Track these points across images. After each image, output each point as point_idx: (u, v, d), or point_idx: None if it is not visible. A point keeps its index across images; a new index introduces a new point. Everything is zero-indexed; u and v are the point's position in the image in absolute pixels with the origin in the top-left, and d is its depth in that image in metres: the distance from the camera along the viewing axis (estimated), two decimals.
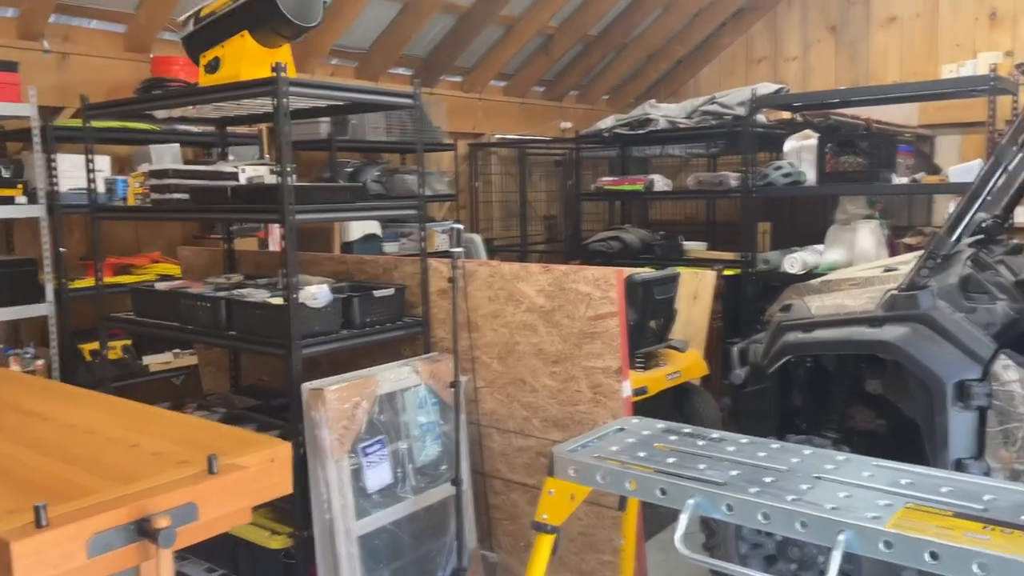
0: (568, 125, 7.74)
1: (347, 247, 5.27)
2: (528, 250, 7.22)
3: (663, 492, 1.88)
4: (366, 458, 2.80)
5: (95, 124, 3.54)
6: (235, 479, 1.78)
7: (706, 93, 6.63)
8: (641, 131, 5.90)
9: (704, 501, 1.81)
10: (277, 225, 4.59)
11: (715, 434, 2.19)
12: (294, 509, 2.80)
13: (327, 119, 5.06)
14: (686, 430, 2.24)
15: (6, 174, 3.90)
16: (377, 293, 3.14)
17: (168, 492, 1.68)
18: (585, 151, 6.72)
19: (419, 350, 3.28)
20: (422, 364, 3.07)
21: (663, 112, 5.95)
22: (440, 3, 5.66)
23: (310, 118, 3.86)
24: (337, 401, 2.71)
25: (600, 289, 2.86)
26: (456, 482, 2.96)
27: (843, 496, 1.75)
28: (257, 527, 2.99)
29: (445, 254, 5.73)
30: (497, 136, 7.13)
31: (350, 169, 5.54)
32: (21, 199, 3.90)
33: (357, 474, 2.76)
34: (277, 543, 2.95)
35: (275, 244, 4.68)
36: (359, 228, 5.33)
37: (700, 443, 2.13)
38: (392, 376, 2.93)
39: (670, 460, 2.00)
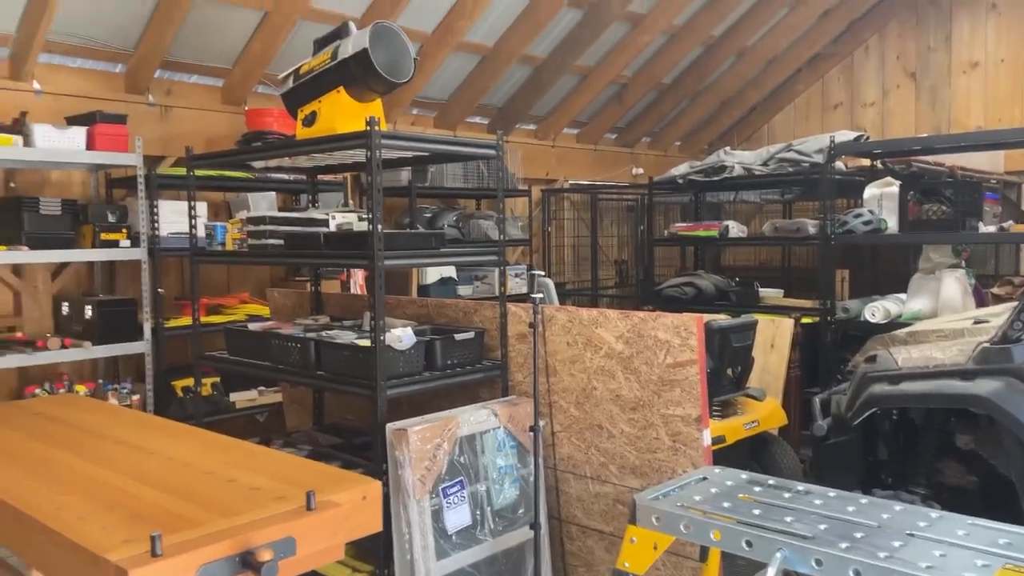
0: (640, 171, 7.80)
1: (423, 290, 5.41)
2: (599, 294, 7.25)
3: (749, 544, 1.87)
4: (446, 499, 2.84)
5: (197, 173, 3.76)
6: (331, 516, 1.85)
7: (780, 139, 6.59)
8: (716, 178, 5.90)
9: (792, 555, 1.79)
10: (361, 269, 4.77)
11: (800, 486, 2.17)
12: (375, 547, 2.86)
13: (408, 167, 5.24)
14: (770, 482, 2.22)
15: (112, 219, 4.17)
16: (458, 336, 3.22)
17: (268, 526, 1.76)
18: (657, 196, 6.74)
19: (496, 393, 3.34)
20: (500, 407, 3.12)
21: (738, 159, 5.94)
22: (517, 55, 5.83)
23: (394, 167, 4.01)
24: (420, 442, 2.78)
25: (680, 336, 2.87)
26: (535, 526, 2.98)
27: (938, 555, 1.72)
28: (340, 564, 3.05)
29: (520, 297, 5.81)
30: (570, 182, 7.23)
31: (428, 215, 5.72)
32: (125, 243, 4.15)
33: (437, 515, 2.81)
34: None
35: (357, 286, 4.84)
36: (435, 271, 5.47)
37: (786, 495, 2.11)
38: (472, 418, 2.99)
39: (755, 512, 1.99)
